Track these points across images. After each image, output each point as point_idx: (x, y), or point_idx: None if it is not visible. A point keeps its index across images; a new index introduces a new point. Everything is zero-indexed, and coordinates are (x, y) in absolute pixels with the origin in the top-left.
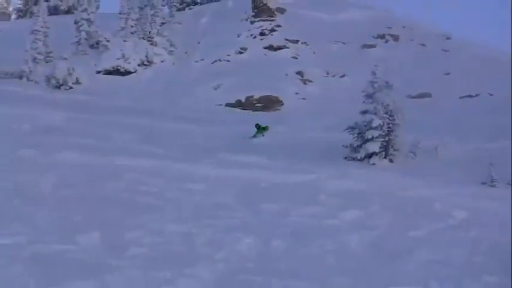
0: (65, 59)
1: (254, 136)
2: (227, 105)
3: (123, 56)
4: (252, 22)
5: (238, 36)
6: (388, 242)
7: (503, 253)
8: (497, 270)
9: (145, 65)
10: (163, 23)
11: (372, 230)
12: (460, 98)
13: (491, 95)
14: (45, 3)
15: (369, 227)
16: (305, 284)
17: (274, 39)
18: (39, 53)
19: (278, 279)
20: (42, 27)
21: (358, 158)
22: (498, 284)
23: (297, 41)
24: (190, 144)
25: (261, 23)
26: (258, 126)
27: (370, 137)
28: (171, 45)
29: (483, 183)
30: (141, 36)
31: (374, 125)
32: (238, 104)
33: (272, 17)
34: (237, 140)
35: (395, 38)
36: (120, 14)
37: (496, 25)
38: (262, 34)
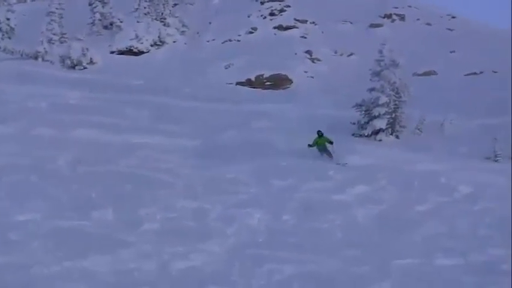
0: (80, 39)
1: (311, 146)
2: (238, 83)
3: (137, 36)
4: (262, 3)
5: (249, 17)
6: (394, 216)
7: (508, 226)
8: (502, 242)
9: (157, 45)
10: (175, 4)
11: (379, 204)
12: (465, 75)
13: (495, 72)
14: None
15: (376, 201)
16: (313, 257)
17: (284, 19)
18: (54, 34)
19: (286, 252)
20: (57, 8)
21: (366, 134)
22: (502, 256)
23: (305, 21)
24: (203, 122)
25: (271, 3)
26: (321, 134)
27: (377, 114)
28: (183, 25)
29: (487, 158)
30: (154, 17)
31: (381, 102)
32: (249, 83)
33: None
34: (248, 117)
35: (402, 17)
36: None
37: (496, 4)
38: (271, 14)
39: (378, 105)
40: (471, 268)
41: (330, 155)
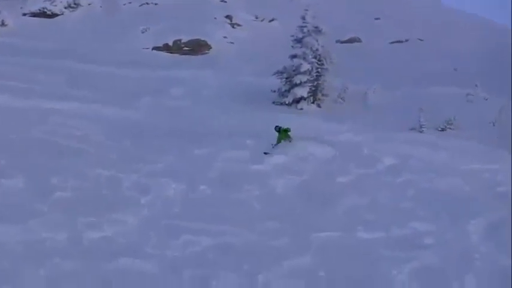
0: None
1: (277, 144)
2: (154, 48)
3: None
4: None
5: None
6: (315, 187)
7: (430, 199)
8: (424, 216)
9: (72, 7)
10: None
11: (299, 175)
12: (390, 43)
13: (420, 40)
14: None
15: (296, 172)
16: (230, 228)
17: None
18: None
19: (203, 223)
20: None
21: (286, 103)
22: (424, 230)
23: None
24: (118, 88)
25: None
26: (278, 129)
27: (298, 81)
28: None
29: (412, 129)
30: None
31: (302, 69)
32: (166, 48)
33: None
34: (164, 83)
35: None
36: None
37: None
38: None
39: (300, 73)
40: (392, 242)
41: None
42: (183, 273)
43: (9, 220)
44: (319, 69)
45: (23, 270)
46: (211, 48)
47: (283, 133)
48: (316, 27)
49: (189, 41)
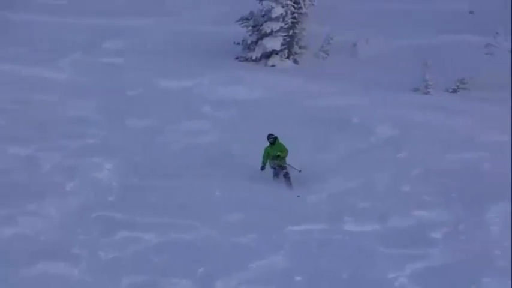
0: None
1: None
2: None
3: None
4: None
5: None
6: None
7: (440, 181)
8: (431, 202)
9: None
10: None
11: None
12: None
13: None
14: None
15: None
16: (182, 221)
17: None
18: None
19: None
20: None
21: (253, 58)
22: (431, 220)
23: None
24: (39, 42)
25: None
26: (272, 140)
27: (268, 30)
28: None
29: (415, 90)
30: None
31: (274, 15)
32: None
33: None
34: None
35: None
36: None
37: None
38: None
39: (271, 19)
40: (390, 236)
41: (288, 179)
42: (121, 280)
43: None
44: (296, 14)
45: None
46: None
47: (275, 147)
48: None
49: None
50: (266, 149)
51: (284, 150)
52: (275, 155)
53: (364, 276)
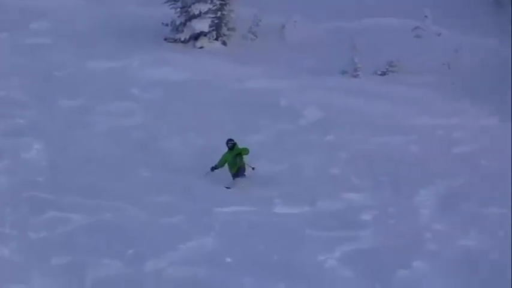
0: None
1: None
2: None
3: None
4: None
5: None
6: (214, 150)
7: (368, 164)
8: (359, 184)
9: None
10: None
11: (196, 132)
12: None
13: None
14: None
15: (194, 130)
16: (110, 203)
17: None
18: None
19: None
20: None
21: (182, 39)
22: (360, 202)
23: None
24: None
25: None
26: (231, 146)
27: (197, 12)
28: None
29: (343, 73)
30: None
31: None
32: None
33: None
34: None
35: None
36: None
37: None
38: None
39: (199, 1)
40: (319, 218)
41: (243, 175)
42: (50, 260)
43: None
44: None
45: None
46: None
47: (233, 152)
48: None
49: None
50: (224, 155)
51: (245, 148)
52: (235, 156)
53: (294, 258)
